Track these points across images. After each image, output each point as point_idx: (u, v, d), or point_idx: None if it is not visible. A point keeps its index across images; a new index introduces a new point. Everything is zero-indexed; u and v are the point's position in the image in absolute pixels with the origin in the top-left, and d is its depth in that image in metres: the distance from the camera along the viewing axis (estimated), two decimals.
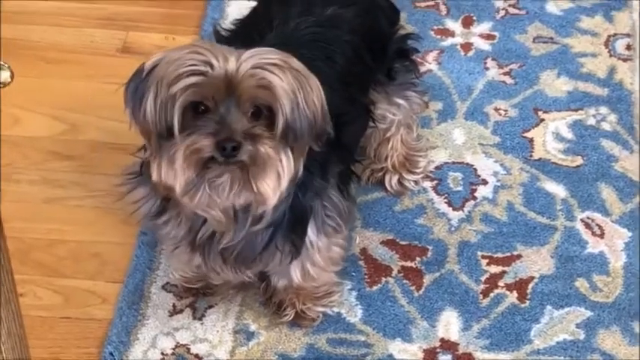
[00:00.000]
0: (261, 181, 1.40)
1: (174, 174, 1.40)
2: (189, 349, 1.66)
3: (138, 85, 1.41)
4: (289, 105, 1.39)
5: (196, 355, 1.65)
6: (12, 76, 1.14)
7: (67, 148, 1.99)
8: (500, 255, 1.82)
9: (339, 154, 1.60)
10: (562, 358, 1.66)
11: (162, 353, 1.66)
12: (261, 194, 1.41)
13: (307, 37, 1.63)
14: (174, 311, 1.72)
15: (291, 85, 1.39)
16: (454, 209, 1.89)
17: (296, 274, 1.65)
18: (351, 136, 1.68)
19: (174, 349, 1.67)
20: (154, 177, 1.42)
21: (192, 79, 1.37)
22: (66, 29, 2.23)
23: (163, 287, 1.75)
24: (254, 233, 1.51)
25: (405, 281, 1.77)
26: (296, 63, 1.42)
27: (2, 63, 1.15)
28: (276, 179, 1.41)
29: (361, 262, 1.80)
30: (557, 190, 1.93)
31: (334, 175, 1.60)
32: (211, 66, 1.37)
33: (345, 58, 1.65)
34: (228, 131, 1.37)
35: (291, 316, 1.70)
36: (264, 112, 1.40)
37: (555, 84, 2.12)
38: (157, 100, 1.38)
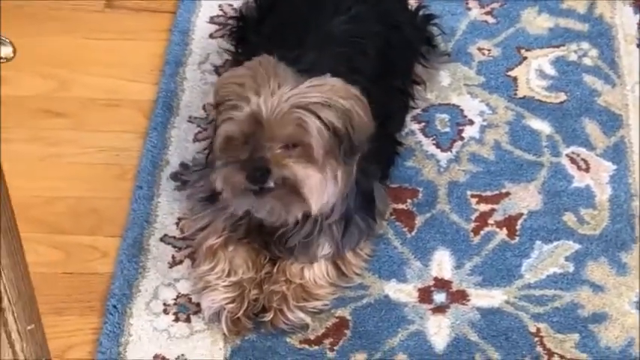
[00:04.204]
0: (300, 202, 1.52)
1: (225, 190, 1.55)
2: (190, 299, 1.70)
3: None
4: (328, 136, 1.50)
5: (198, 305, 1.69)
6: (14, 52, 1.15)
7: (58, 106, 2.00)
8: (489, 193, 1.85)
9: (385, 144, 1.72)
10: (553, 290, 1.71)
11: (164, 304, 1.69)
12: (308, 207, 1.53)
13: (343, 35, 1.73)
14: (174, 262, 1.75)
15: (342, 118, 1.50)
16: (442, 150, 1.92)
17: (322, 267, 1.68)
18: (396, 123, 1.81)
19: (175, 299, 1.70)
20: (212, 183, 1.57)
21: (230, 114, 1.50)
22: None
23: (162, 239, 1.78)
24: (328, 225, 1.63)
25: (397, 223, 1.81)
26: (342, 92, 1.52)
27: (3, 38, 1.16)
28: (316, 193, 1.52)
29: None
30: (542, 126, 1.96)
31: (380, 164, 1.72)
32: (248, 102, 1.48)
33: (376, 50, 1.76)
34: (258, 161, 1.47)
35: (270, 316, 1.63)
36: (296, 147, 1.50)
37: (536, 21, 2.14)
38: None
